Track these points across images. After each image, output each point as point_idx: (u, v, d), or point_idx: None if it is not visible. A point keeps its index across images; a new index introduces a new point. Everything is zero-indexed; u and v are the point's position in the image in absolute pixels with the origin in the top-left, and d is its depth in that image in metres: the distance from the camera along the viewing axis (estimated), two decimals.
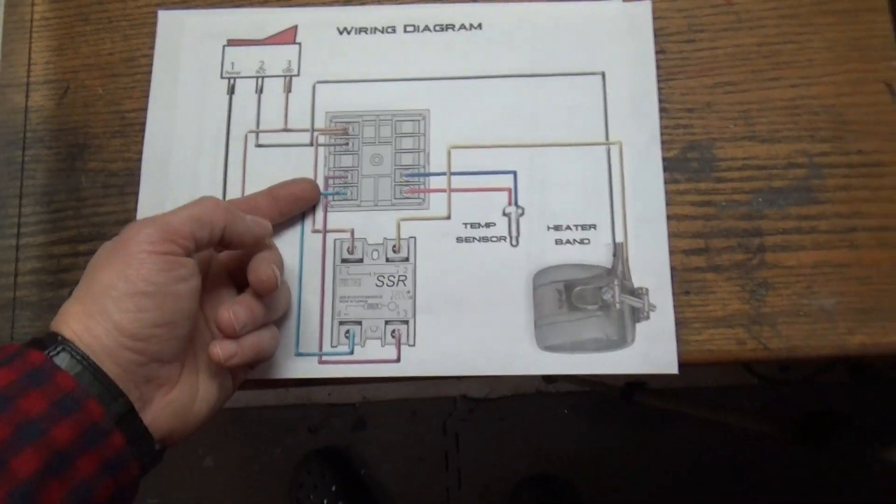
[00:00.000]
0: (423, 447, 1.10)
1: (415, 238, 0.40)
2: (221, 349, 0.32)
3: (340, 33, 0.43)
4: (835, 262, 0.39)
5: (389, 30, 0.43)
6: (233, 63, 0.43)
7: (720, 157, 0.40)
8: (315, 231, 0.41)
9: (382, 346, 0.39)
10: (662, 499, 1.05)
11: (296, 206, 0.40)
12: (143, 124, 0.42)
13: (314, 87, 0.42)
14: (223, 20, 0.43)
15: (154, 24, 0.43)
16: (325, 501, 1.01)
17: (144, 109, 0.42)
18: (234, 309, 0.33)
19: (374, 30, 0.43)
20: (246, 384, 0.37)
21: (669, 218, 0.40)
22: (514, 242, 0.40)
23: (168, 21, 0.43)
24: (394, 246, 0.40)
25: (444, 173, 0.41)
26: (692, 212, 0.40)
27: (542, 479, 1.06)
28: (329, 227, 0.41)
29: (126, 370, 0.30)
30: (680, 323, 0.38)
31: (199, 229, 0.32)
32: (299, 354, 0.39)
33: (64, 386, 0.28)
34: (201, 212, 0.32)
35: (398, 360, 0.39)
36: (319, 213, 0.41)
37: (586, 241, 0.40)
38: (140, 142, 0.42)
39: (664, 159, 0.40)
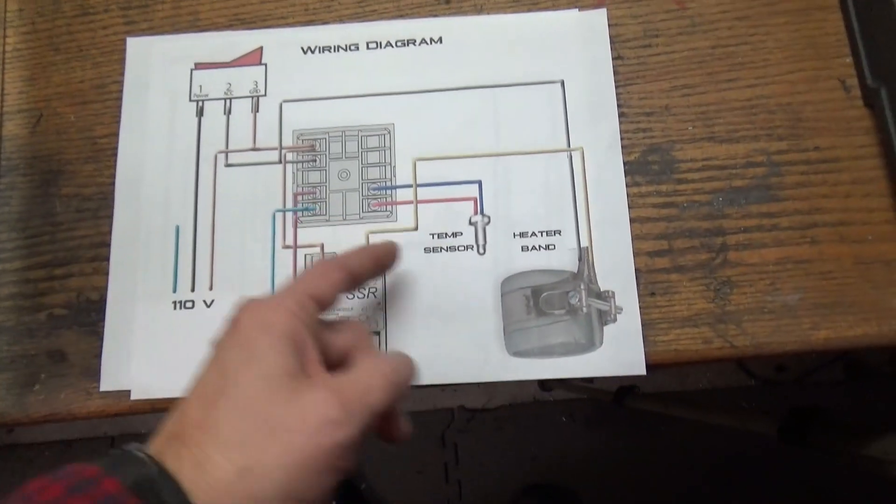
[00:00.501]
0: (423, 459, 1.10)
1: None
2: None
3: (305, 52, 0.44)
4: (797, 259, 0.39)
5: (353, 47, 0.44)
6: (201, 86, 0.44)
7: (680, 158, 0.41)
8: (286, 247, 0.41)
9: None
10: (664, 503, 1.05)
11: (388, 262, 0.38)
12: (115, 149, 0.43)
13: (281, 106, 0.43)
14: (190, 44, 0.44)
15: (123, 51, 0.44)
16: None
17: (116, 135, 0.43)
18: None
19: (338, 48, 0.44)
20: None
21: (632, 221, 0.40)
22: (481, 251, 0.41)
23: (136, 48, 0.44)
24: None
25: (410, 185, 0.42)
26: (654, 214, 0.40)
27: (542, 487, 1.05)
28: (299, 242, 0.41)
29: None
30: (646, 324, 0.39)
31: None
32: None
33: None
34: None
35: None
36: (290, 229, 0.42)
37: (552, 247, 0.40)
38: (112, 166, 0.43)
39: (625, 163, 0.41)
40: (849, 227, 0.39)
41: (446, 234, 0.41)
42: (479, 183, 0.42)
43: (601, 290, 0.39)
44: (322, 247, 0.41)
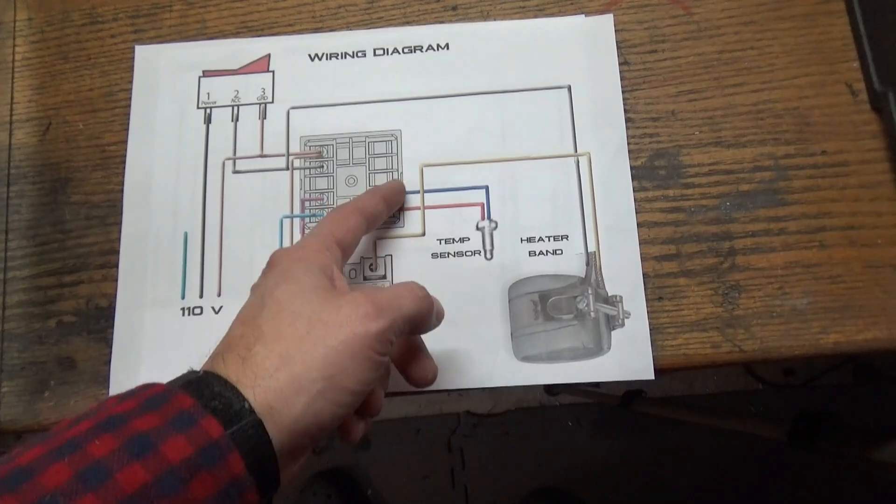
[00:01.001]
0: (429, 465, 1.09)
1: (391, 256, 0.41)
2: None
3: (312, 59, 0.44)
4: (805, 263, 0.39)
5: (360, 54, 0.44)
6: (209, 93, 0.44)
7: (687, 163, 0.41)
8: None
9: None
10: None
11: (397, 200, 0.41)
12: (124, 157, 0.43)
13: (288, 113, 0.43)
14: (198, 52, 0.45)
15: (131, 59, 0.45)
16: None
17: (124, 142, 0.43)
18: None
19: (345, 55, 0.44)
20: None
21: (640, 225, 0.40)
22: (488, 256, 0.41)
23: (145, 56, 0.45)
24: (371, 264, 0.41)
25: (417, 191, 0.42)
26: (662, 218, 0.40)
27: (548, 492, 1.05)
28: None
29: (291, 457, 0.28)
30: (654, 329, 0.39)
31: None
32: None
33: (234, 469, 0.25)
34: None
35: None
36: (297, 235, 0.42)
37: (559, 252, 0.40)
38: (121, 174, 0.43)
39: (632, 168, 0.41)
40: (858, 230, 0.39)
41: (454, 239, 0.41)
42: (487, 188, 0.42)
43: (609, 294, 0.39)
44: None
